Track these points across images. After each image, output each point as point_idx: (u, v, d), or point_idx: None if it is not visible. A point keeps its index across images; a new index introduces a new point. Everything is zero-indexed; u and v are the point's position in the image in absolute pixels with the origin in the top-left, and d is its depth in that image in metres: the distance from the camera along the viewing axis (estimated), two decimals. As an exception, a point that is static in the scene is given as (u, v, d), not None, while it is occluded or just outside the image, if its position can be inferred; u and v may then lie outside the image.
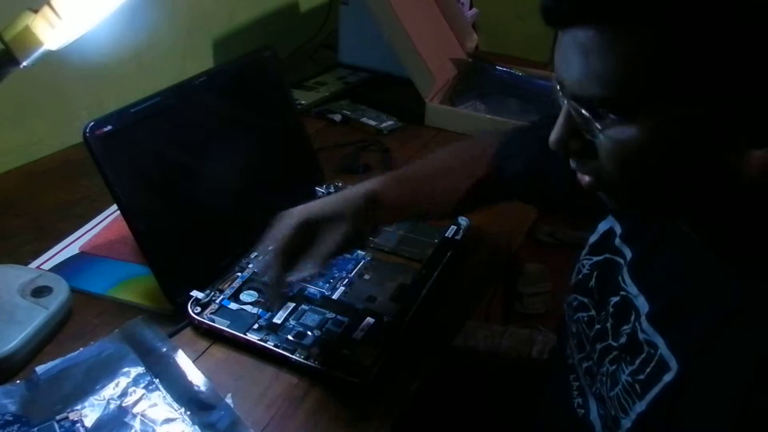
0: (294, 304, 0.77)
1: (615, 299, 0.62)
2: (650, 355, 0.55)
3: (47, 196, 0.99)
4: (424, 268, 0.83)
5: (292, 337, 0.72)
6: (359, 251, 0.87)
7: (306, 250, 0.67)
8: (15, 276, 0.76)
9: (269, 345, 0.71)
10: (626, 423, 0.58)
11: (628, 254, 0.62)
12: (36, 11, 0.62)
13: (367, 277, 0.83)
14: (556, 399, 0.73)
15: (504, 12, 2.51)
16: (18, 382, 0.67)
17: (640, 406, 0.55)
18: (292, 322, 0.74)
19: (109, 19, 0.67)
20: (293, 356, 0.70)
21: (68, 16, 0.62)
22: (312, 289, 0.80)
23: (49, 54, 0.65)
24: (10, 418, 0.62)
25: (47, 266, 0.83)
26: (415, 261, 0.87)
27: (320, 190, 0.99)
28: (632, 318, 0.58)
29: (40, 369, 0.68)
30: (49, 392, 0.65)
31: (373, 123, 1.25)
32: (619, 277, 0.61)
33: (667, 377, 0.53)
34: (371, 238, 0.91)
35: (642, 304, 0.58)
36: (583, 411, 0.66)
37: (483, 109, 1.26)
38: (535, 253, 2.11)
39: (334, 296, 0.79)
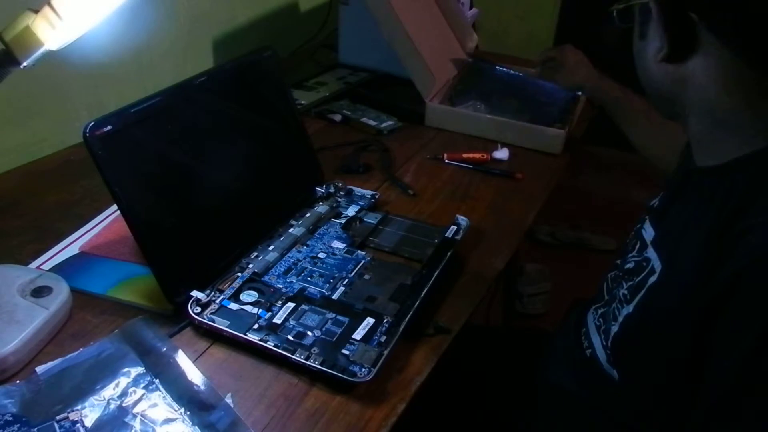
0: (294, 304, 0.77)
1: (634, 240, 0.72)
2: (643, 268, 0.66)
3: (47, 196, 0.99)
4: (424, 268, 0.83)
5: (292, 337, 0.72)
6: (359, 251, 0.87)
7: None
8: (15, 276, 0.76)
9: (269, 345, 0.71)
10: (614, 328, 0.69)
11: (656, 203, 0.73)
12: (36, 11, 0.62)
13: (367, 277, 0.83)
14: (567, 351, 0.82)
15: (504, 12, 2.51)
16: (18, 382, 0.67)
17: (627, 309, 0.67)
18: (292, 322, 0.74)
19: (109, 19, 0.67)
20: (293, 356, 0.69)
21: (68, 16, 0.62)
22: (312, 289, 0.80)
23: (49, 54, 0.65)
24: (10, 418, 0.62)
25: (47, 266, 0.83)
26: (415, 261, 0.87)
27: (320, 190, 0.99)
28: (639, 246, 0.69)
29: (40, 369, 0.68)
30: (49, 392, 0.65)
31: (373, 123, 1.25)
32: (644, 224, 0.71)
33: (652, 279, 0.64)
34: (371, 238, 0.91)
35: (649, 234, 0.68)
36: (590, 350, 0.75)
37: (483, 109, 1.26)
38: (535, 253, 2.12)
39: (334, 296, 0.79)
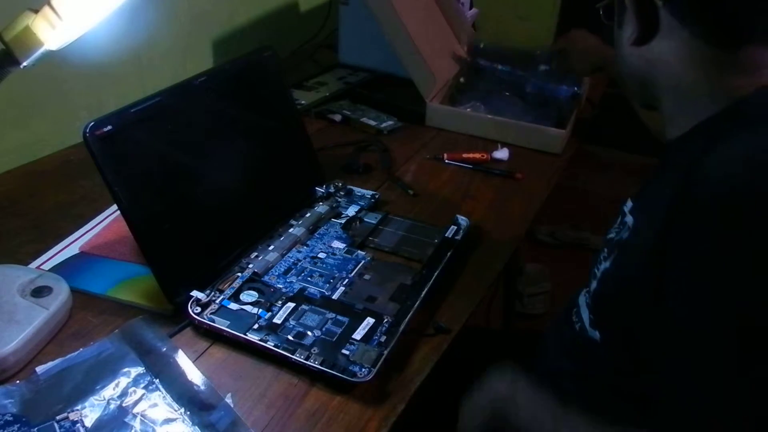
0: (294, 304, 0.77)
1: (616, 218, 0.74)
2: (620, 231, 0.70)
3: (47, 196, 0.99)
4: (424, 268, 0.83)
5: (292, 337, 0.72)
6: (359, 251, 0.87)
7: None
8: (15, 276, 0.76)
9: (269, 345, 0.71)
10: (594, 284, 0.73)
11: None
12: (36, 11, 0.62)
13: (367, 277, 0.83)
14: (560, 334, 0.83)
15: (504, 12, 2.51)
16: (18, 382, 0.67)
17: (604, 265, 0.71)
18: (292, 322, 0.74)
19: (109, 19, 0.67)
20: (293, 356, 0.69)
21: (68, 16, 0.62)
22: (312, 289, 0.80)
23: (49, 54, 0.65)
24: (10, 418, 0.62)
25: (47, 266, 0.83)
26: (415, 261, 0.87)
27: (320, 190, 0.99)
28: (619, 220, 0.72)
29: (40, 369, 0.68)
30: (49, 392, 0.65)
31: (373, 123, 1.25)
32: (626, 202, 0.73)
33: (625, 235, 0.68)
34: (371, 238, 0.91)
35: (628, 206, 0.71)
36: (579, 324, 0.77)
37: (483, 109, 1.26)
38: (535, 253, 2.12)
39: (334, 296, 0.79)
